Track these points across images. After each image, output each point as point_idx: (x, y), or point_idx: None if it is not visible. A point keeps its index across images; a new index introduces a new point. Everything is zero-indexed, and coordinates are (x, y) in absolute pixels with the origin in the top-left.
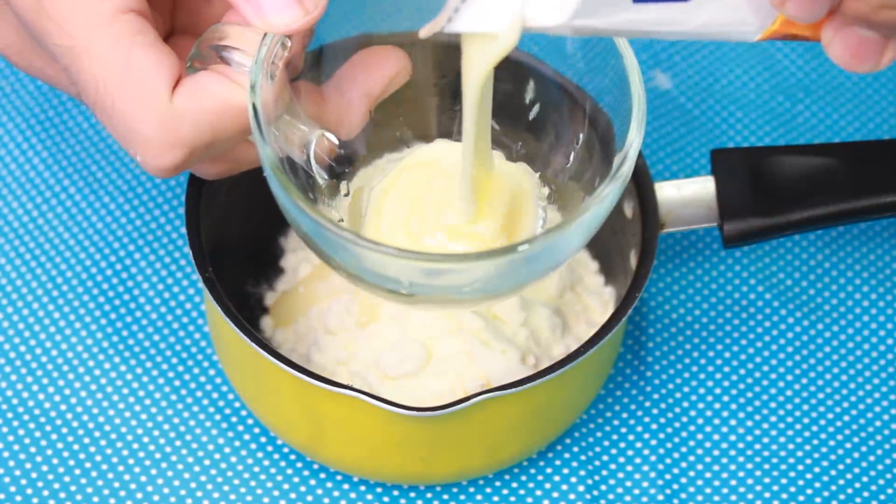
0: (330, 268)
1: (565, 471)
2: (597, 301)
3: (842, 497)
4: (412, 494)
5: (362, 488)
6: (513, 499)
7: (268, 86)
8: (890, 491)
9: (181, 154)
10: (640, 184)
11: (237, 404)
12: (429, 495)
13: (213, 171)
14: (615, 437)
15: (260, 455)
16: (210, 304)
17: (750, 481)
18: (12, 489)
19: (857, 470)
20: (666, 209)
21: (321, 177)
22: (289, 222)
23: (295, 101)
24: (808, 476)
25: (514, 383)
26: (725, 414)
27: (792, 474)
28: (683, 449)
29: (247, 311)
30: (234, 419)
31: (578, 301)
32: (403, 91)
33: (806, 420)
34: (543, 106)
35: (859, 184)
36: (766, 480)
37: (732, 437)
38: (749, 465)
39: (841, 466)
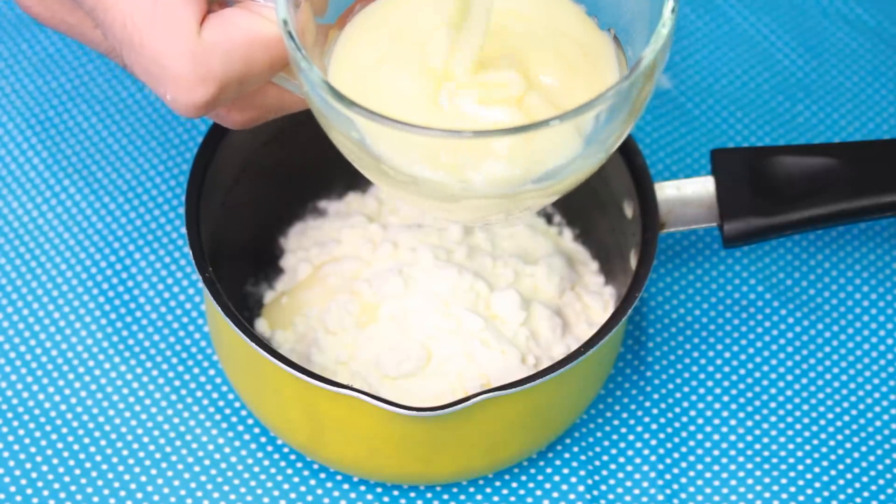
0: (378, 179)
1: (565, 471)
2: (597, 301)
3: (842, 497)
4: (412, 494)
5: (362, 488)
6: (513, 499)
7: (295, 14)
8: (890, 491)
9: (212, 89)
10: (640, 184)
11: (237, 404)
12: (429, 495)
13: (240, 119)
14: (615, 437)
15: (260, 455)
16: (210, 304)
17: (750, 481)
18: (12, 489)
19: (857, 470)
20: (666, 209)
21: None
22: (335, 139)
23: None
24: (808, 476)
25: (514, 383)
26: (725, 414)
27: (792, 474)
28: (683, 449)
29: (247, 311)
30: (234, 419)
31: (578, 301)
32: None
33: (806, 420)
34: None
35: (859, 184)
36: (766, 480)
37: (732, 437)
38: (749, 465)
39: (841, 466)
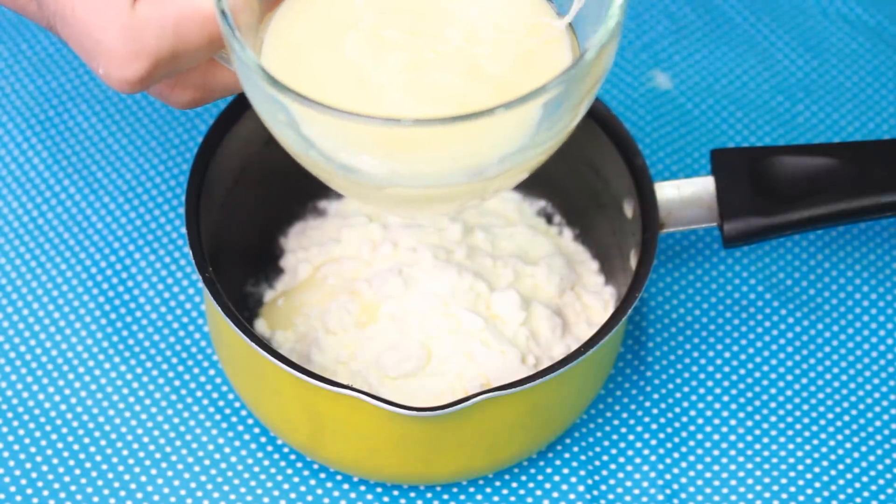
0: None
1: (565, 471)
2: (597, 301)
3: (842, 497)
4: (412, 494)
5: (362, 488)
6: (513, 499)
7: None
8: (890, 491)
9: (146, 64)
10: (640, 184)
11: (237, 404)
12: (429, 495)
13: (184, 100)
14: (615, 437)
15: (260, 455)
16: (210, 304)
17: (750, 481)
18: (12, 489)
19: (857, 470)
20: (666, 209)
21: None
22: (273, 130)
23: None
24: (808, 476)
25: (514, 383)
26: (725, 414)
27: (792, 474)
28: (683, 449)
29: (247, 311)
30: (234, 419)
31: (578, 301)
32: None
33: (806, 420)
34: None
35: (859, 184)
36: (766, 480)
37: (732, 437)
38: (749, 465)
39: (841, 466)
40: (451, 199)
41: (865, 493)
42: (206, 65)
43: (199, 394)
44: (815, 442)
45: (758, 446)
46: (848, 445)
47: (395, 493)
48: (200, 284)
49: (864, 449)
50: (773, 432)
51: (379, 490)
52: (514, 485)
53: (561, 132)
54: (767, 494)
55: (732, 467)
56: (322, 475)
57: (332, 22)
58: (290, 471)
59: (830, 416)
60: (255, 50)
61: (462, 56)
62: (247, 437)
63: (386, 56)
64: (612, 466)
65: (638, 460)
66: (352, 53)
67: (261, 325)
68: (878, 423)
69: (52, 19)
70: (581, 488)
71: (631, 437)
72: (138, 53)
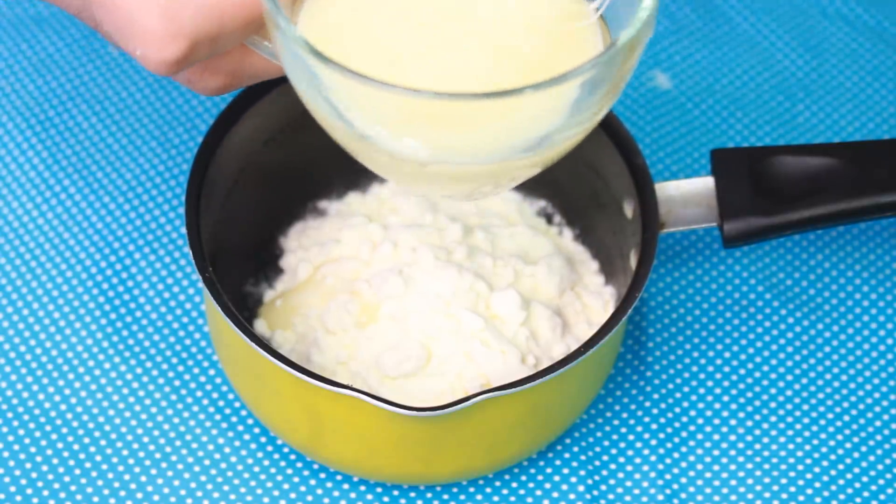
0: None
1: (565, 471)
2: (597, 301)
3: (842, 497)
4: (412, 494)
5: (362, 488)
6: (513, 499)
7: None
8: (890, 491)
9: (184, 45)
10: (640, 184)
11: (237, 404)
12: (429, 495)
13: (212, 86)
14: (615, 437)
15: (260, 455)
16: (210, 304)
17: (750, 481)
18: (12, 489)
19: (857, 470)
20: (666, 209)
21: None
22: (312, 108)
23: None
24: (808, 476)
25: (514, 383)
26: (725, 414)
27: (792, 474)
28: (683, 449)
29: (247, 311)
30: (234, 419)
31: (578, 301)
32: None
33: (806, 420)
34: None
35: (859, 184)
36: (766, 480)
37: (732, 437)
38: (749, 465)
39: (841, 466)
40: (479, 179)
41: (865, 493)
42: (236, 50)
43: (199, 394)
44: (815, 442)
45: (758, 446)
46: (848, 445)
47: (395, 493)
48: (200, 284)
49: (864, 449)
50: (773, 432)
51: (379, 490)
52: (514, 485)
53: (593, 116)
54: (767, 494)
55: (732, 467)
56: (322, 475)
57: (365, 2)
58: (290, 471)
59: (830, 416)
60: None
61: (496, 37)
62: (247, 437)
63: (420, 36)
64: (612, 466)
65: (638, 460)
66: (386, 34)
67: (261, 326)
68: (878, 423)
69: (89, 3)
70: (581, 488)
71: (631, 437)
72: (176, 34)
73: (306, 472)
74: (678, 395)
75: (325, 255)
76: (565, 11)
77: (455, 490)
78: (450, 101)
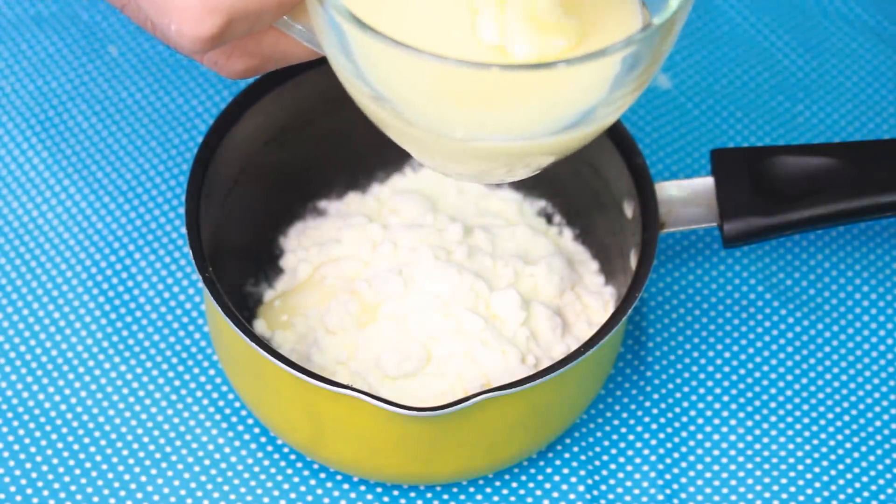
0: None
1: (565, 471)
2: (597, 301)
3: (842, 497)
4: (412, 494)
5: (362, 488)
6: (513, 499)
7: None
8: (890, 491)
9: (220, 20)
10: (640, 184)
11: (237, 404)
12: (429, 495)
13: (239, 68)
14: (615, 437)
15: (260, 455)
16: (210, 304)
17: (750, 481)
18: (12, 489)
19: (857, 470)
20: (666, 209)
21: None
22: (349, 86)
23: None
24: (808, 476)
25: (514, 383)
26: (725, 414)
27: (792, 474)
28: (683, 449)
29: (247, 311)
30: (234, 419)
31: (578, 301)
32: None
33: (806, 420)
34: None
35: (859, 184)
36: (766, 480)
37: (732, 437)
38: (749, 465)
39: (841, 466)
40: (526, 156)
41: (865, 493)
42: (265, 32)
43: (199, 394)
44: (815, 442)
45: (758, 446)
46: (848, 445)
47: (395, 493)
48: (200, 284)
49: (864, 449)
50: (773, 432)
51: (379, 490)
52: (514, 485)
53: (630, 93)
54: (767, 494)
55: (732, 467)
56: (322, 475)
57: None
58: (290, 471)
59: (830, 416)
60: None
61: (539, 9)
62: (247, 437)
63: (462, 5)
64: (612, 466)
65: (638, 460)
66: (427, 4)
67: (260, 326)
68: (878, 423)
69: None
70: (581, 488)
71: (631, 437)
72: (213, 9)
73: (306, 472)
74: (678, 395)
75: (325, 255)
76: None
77: (455, 490)
78: (491, 72)
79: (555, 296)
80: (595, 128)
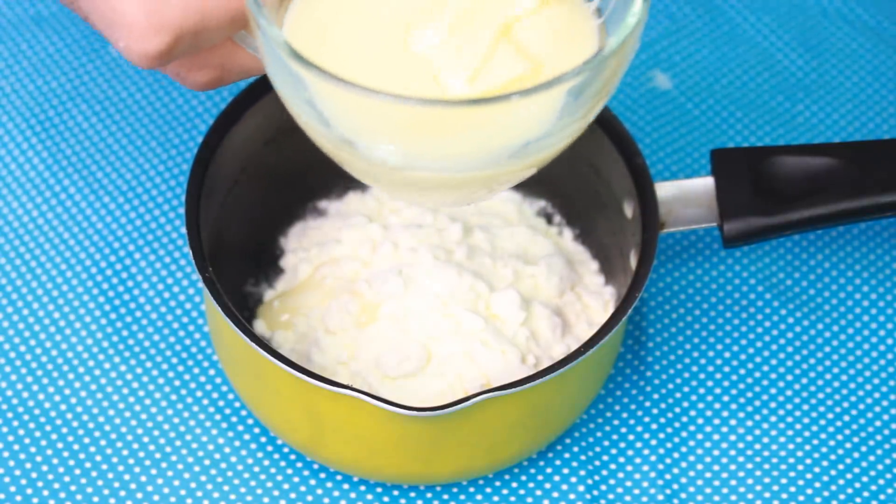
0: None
1: (565, 471)
2: (597, 301)
3: (842, 497)
4: (412, 494)
5: (362, 488)
6: (513, 499)
7: None
8: (890, 491)
9: (167, 39)
10: (640, 184)
11: (237, 404)
12: (429, 495)
13: (201, 80)
14: (615, 437)
15: (260, 455)
16: (210, 304)
17: (750, 481)
18: (12, 489)
19: (857, 470)
20: (666, 209)
21: None
22: (293, 110)
23: None
24: (808, 476)
25: (514, 383)
26: (725, 414)
27: (792, 474)
28: (683, 449)
29: (247, 311)
30: (234, 419)
31: (578, 301)
32: None
33: (806, 420)
34: None
35: (859, 184)
36: (766, 480)
37: (732, 437)
38: (749, 465)
39: (841, 466)
40: (469, 185)
41: (865, 493)
42: (224, 45)
43: (199, 394)
44: (815, 442)
45: (758, 446)
46: (848, 445)
47: (395, 493)
48: (200, 284)
49: (864, 449)
50: (773, 432)
51: (379, 490)
52: (514, 485)
53: (579, 121)
54: (767, 494)
55: (732, 467)
56: (322, 475)
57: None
58: (290, 471)
59: (830, 416)
60: (279, 26)
61: (493, 23)
62: (247, 437)
63: (416, 27)
64: (612, 466)
65: (638, 460)
66: (374, 33)
67: (260, 326)
68: (878, 423)
69: None
70: (581, 488)
71: (631, 437)
72: (160, 27)
73: (306, 472)
74: (678, 395)
75: (325, 255)
76: (567, 8)
77: (455, 490)
78: (429, 108)
79: (555, 296)
80: (542, 156)
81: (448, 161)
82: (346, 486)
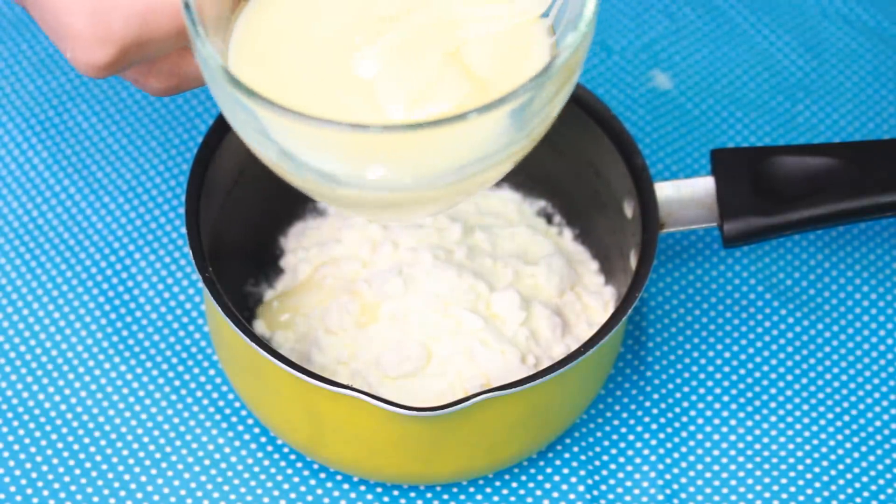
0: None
1: (565, 471)
2: (597, 301)
3: (842, 497)
4: (412, 494)
5: (362, 488)
6: (513, 499)
7: None
8: (890, 491)
9: (112, 51)
10: (640, 184)
11: (237, 404)
12: (429, 495)
13: (158, 87)
14: (615, 437)
15: (260, 455)
16: (210, 304)
17: (750, 481)
18: (12, 489)
19: (857, 470)
20: (666, 209)
21: None
22: (236, 129)
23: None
24: (808, 476)
25: (514, 383)
26: (725, 414)
27: (792, 474)
28: (683, 449)
29: (247, 312)
30: (234, 419)
31: (578, 301)
32: None
33: (806, 420)
34: None
35: (859, 184)
36: (766, 480)
37: (732, 437)
38: (749, 465)
39: (841, 466)
40: (439, 199)
41: (865, 493)
42: (180, 53)
43: (199, 394)
44: (815, 442)
45: (758, 446)
46: (848, 445)
47: (395, 493)
48: (200, 284)
49: (864, 449)
50: (773, 432)
51: (379, 490)
52: (514, 485)
53: (537, 128)
54: (767, 494)
55: (732, 467)
56: (322, 475)
57: (304, 12)
58: (290, 471)
59: (830, 416)
60: (225, 42)
61: (441, 44)
62: (247, 437)
63: (361, 48)
64: (612, 466)
65: (638, 460)
66: (324, 47)
67: (260, 326)
68: (878, 423)
69: (22, 1)
70: (581, 488)
71: (631, 437)
72: (105, 39)
73: (306, 472)
74: (678, 395)
75: (325, 255)
76: (517, 16)
77: (455, 490)
78: (359, 133)
79: (555, 296)
80: (489, 175)
81: (384, 181)
82: (346, 486)
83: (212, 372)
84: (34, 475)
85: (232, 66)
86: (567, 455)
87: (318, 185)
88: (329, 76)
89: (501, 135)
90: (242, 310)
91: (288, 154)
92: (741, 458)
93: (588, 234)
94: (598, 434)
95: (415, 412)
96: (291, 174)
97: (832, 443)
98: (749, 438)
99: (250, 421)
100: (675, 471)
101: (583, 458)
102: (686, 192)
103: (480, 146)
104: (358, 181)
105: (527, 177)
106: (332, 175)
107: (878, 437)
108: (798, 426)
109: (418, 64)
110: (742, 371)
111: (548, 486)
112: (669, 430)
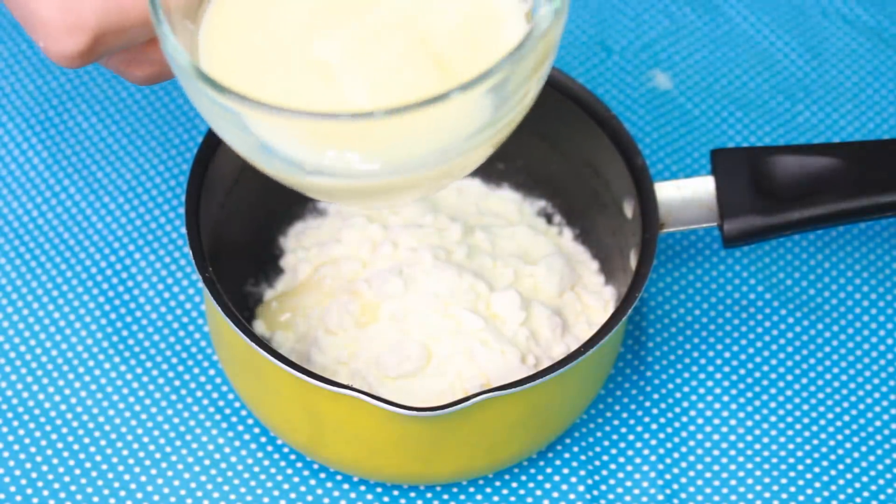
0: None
1: (565, 471)
2: (597, 301)
3: (842, 497)
4: (412, 494)
5: (362, 488)
6: (513, 499)
7: None
8: (890, 491)
9: (84, 39)
10: (640, 184)
11: (237, 404)
12: (429, 495)
13: (141, 76)
14: (615, 437)
15: (260, 455)
16: (210, 304)
17: (750, 481)
18: (12, 489)
19: (857, 470)
20: (666, 209)
21: None
22: (212, 126)
23: None
24: (808, 476)
25: (514, 383)
26: (725, 414)
27: (792, 474)
28: (683, 449)
29: (247, 312)
30: (234, 419)
31: (578, 301)
32: None
33: (806, 420)
34: None
35: (859, 184)
36: (766, 480)
37: (732, 437)
38: (749, 465)
39: (841, 466)
40: (421, 184)
41: (865, 493)
42: (159, 41)
43: (199, 394)
44: (815, 442)
45: (758, 446)
46: (848, 445)
47: (395, 493)
48: (200, 284)
49: (864, 449)
50: (773, 432)
51: (379, 490)
52: (514, 485)
53: (517, 106)
54: (767, 494)
55: (732, 467)
56: (322, 475)
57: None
58: (290, 471)
59: (830, 416)
60: (197, 25)
61: (408, 32)
62: (247, 437)
63: (329, 35)
64: (612, 466)
65: (638, 460)
66: (294, 35)
67: (260, 326)
68: (878, 423)
69: None
70: (581, 488)
71: (631, 437)
72: (75, 28)
73: (306, 472)
74: (678, 395)
75: (325, 255)
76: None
77: (455, 490)
78: (323, 121)
79: (555, 296)
80: (468, 160)
81: (352, 169)
82: (346, 486)
83: (212, 372)
84: (34, 475)
85: (201, 51)
86: (567, 455)
87: (289, 175)
88: (295, 64)
89: (480, 115)
90: (242, 310)
91: (264, 146)
92: (741, 458)
93: (588, 234)
94: (598, 434)
95: (415, 412)
96: (269, 169)
97: (832, 443)
98: (749, 438)
99: (250, 421)
100: (675, 471)
101: (583, 458)
102: (686, 192)
103: (460, 127)
104: (330, 169)
105: (527, 177)
106: (300, 164)
107: (878, 437)
108: (798, 426)
109: (385, 51)
110: (742, 371)
111: (548, 486)
112: (669, 430)
